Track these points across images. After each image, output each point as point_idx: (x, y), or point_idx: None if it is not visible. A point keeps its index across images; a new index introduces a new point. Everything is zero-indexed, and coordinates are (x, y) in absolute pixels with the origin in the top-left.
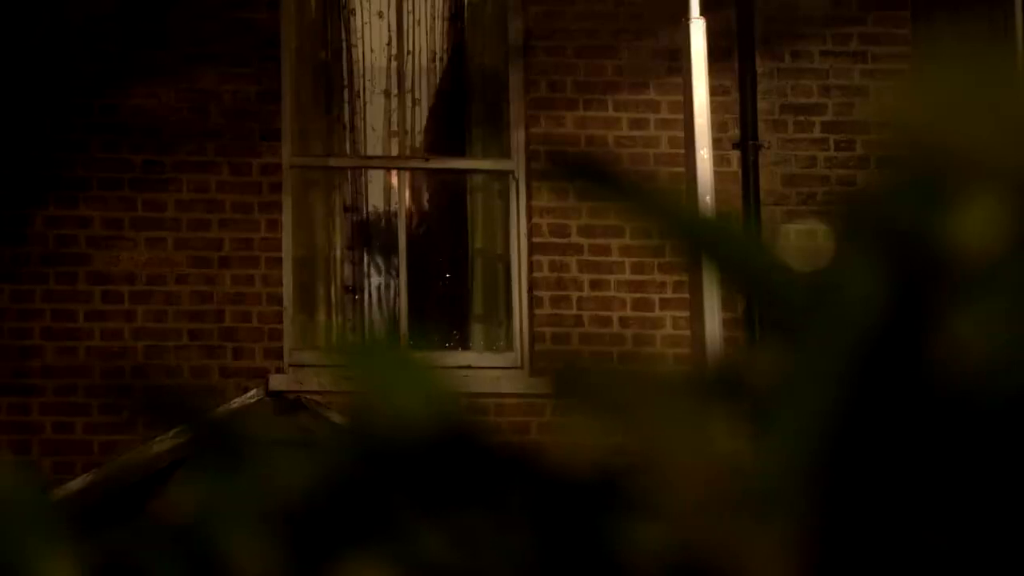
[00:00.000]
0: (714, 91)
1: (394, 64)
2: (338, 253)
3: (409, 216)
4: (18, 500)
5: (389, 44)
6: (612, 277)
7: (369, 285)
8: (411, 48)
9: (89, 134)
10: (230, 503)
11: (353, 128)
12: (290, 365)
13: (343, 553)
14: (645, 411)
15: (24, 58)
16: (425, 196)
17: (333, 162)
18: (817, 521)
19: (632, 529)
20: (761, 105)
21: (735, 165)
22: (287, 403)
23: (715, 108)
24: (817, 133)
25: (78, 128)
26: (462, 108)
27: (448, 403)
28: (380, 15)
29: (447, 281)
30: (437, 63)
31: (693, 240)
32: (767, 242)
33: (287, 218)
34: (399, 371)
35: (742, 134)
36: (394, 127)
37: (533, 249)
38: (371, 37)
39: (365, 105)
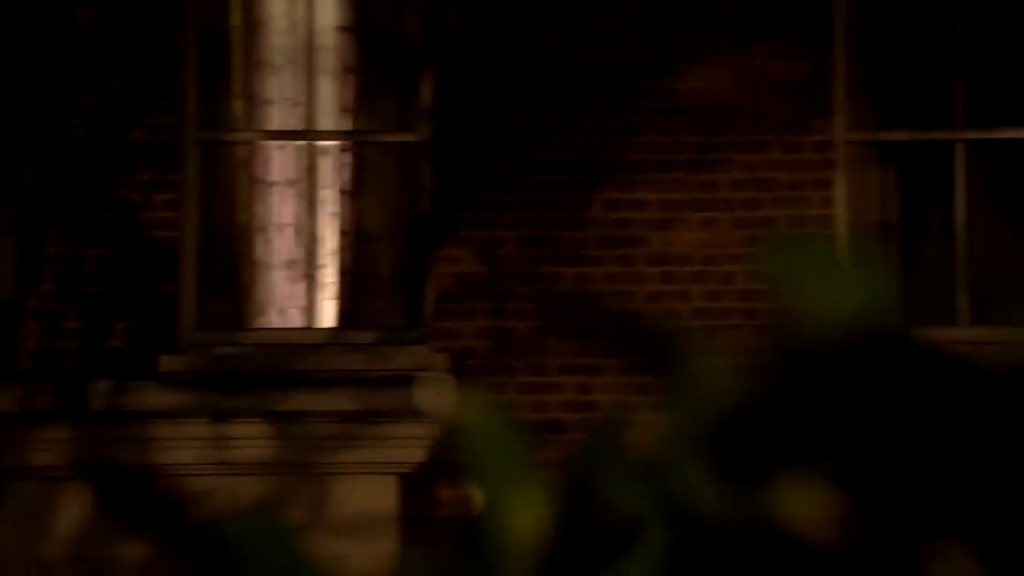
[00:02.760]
0: None
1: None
2: (894, 226)
3: (969, 194)
4: (494, 433)
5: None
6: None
7: (926, 259)
8: None
9: (646, 118)
10: (687, 432)
11: (907, 102)
12: None
13: (784, 469)
14: None
15: (580, 50)
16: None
17: (884, 136)
18: None
19: None
20: None
21: None
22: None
23: None
24: None
25: (636, 112)
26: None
27: (881, 305)
28: None
29: None
30: None
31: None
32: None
33: (840, 194)
34: (832, 273)
35: None
36: (948, 95)
37: None
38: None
39: (916, 77)
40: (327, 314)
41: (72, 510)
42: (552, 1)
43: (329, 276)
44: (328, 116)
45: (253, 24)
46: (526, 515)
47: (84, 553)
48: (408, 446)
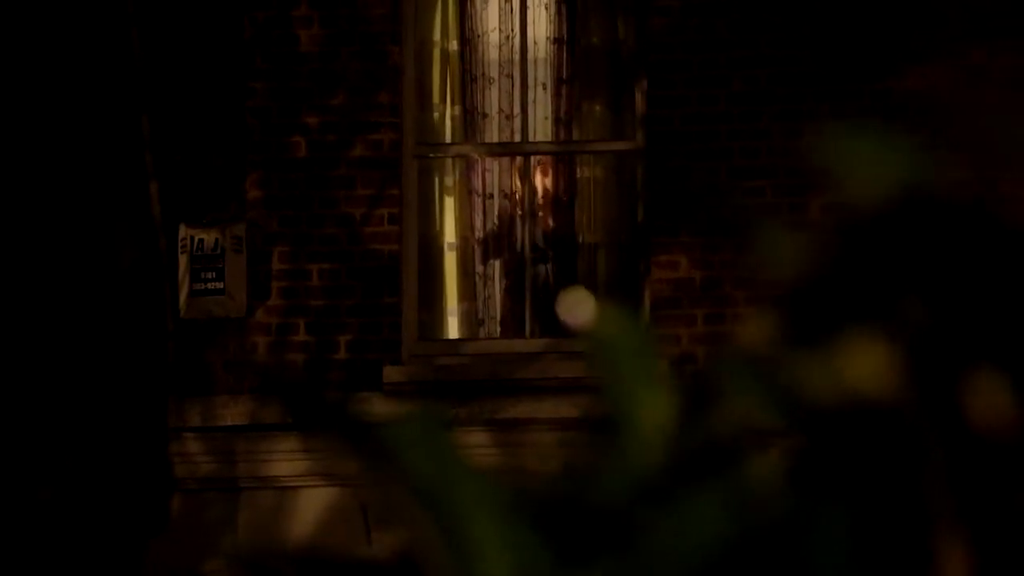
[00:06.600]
0: None
1: None
2: None
3: None
4: (627, 342)
5: None
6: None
7: None
8: None
9: (863, 119)
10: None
11: None
12: None
13: (846, 328)
14: None
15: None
16: None
17: None
18: None
19: None
20: None
21: None
22: None
23: None
24: None
25: (853, 114)
26: None
27: (916, 169)
28: None
29: None
30: None
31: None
32: None
33: None
34: (877, 151)
35: None
36: None
37: None
38: None
39: None
40: (545, 323)
41: (302, 517)
42: (765, 4)
43: (547, 285)
44: (542, 127)
45: (468, 38)
46: (654, 414)
47: None
48: None
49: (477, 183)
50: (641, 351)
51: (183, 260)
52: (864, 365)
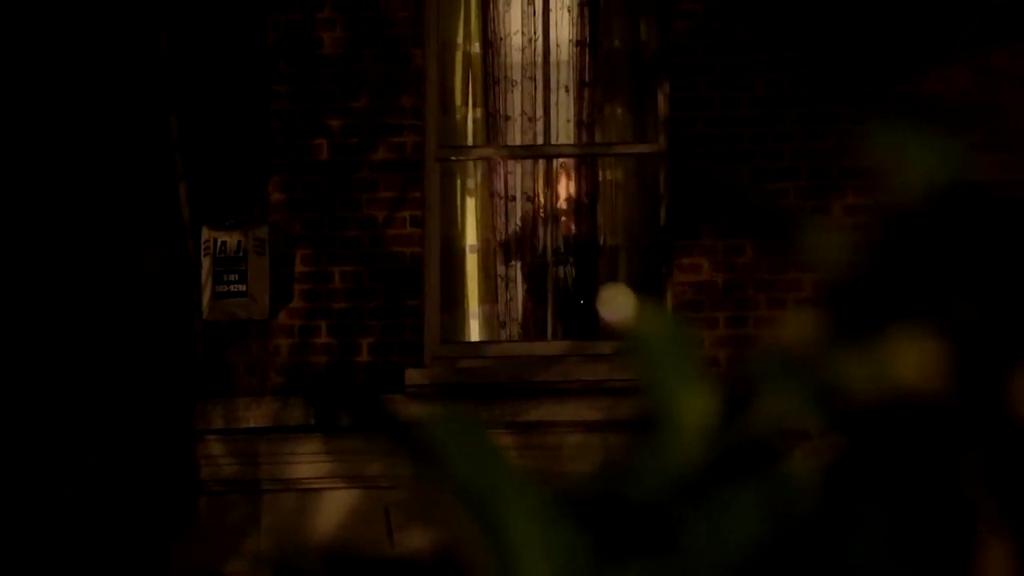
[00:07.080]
0: None
1: None
2: None
3: None
4: (666, 339)
5: None
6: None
7: None
8: None
9: (884, 121)
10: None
11: None
12: None
13: (891, 324)
14: None
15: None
16: None
17: None
18: None
19: None
20: None
21: None
22: None
23: None
24: None
25: (873, 116)
26: None
27: (957, 166)
28: None
29: None
30: None
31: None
32: None
33: None
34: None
35: None
36: None
37: None
38: None
39: None
40: (567, 326)
41: (325, 519)
42: (787, 7)
43: (569, 288)
44: (565, 130)
45: (490, 41)
46: (693, 412)
47: None
48: None
49: (499, 186)
50: (681, 349)
51: (206, 262)
52: (907, 362)
